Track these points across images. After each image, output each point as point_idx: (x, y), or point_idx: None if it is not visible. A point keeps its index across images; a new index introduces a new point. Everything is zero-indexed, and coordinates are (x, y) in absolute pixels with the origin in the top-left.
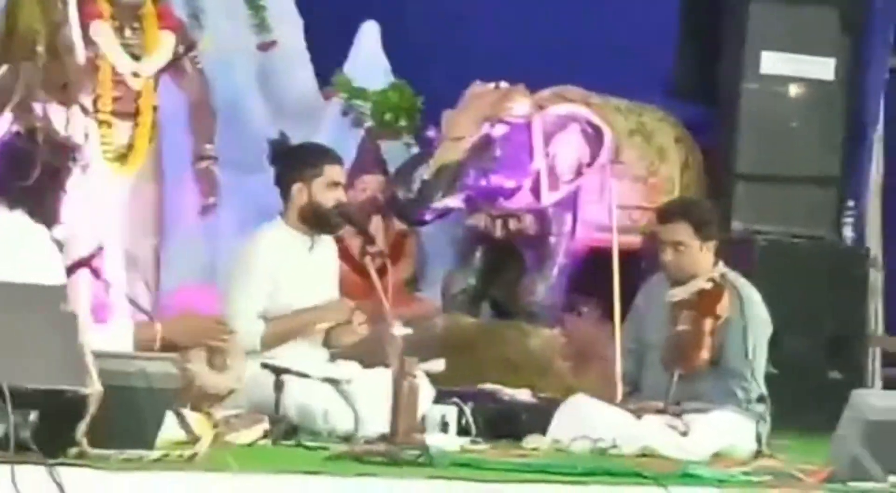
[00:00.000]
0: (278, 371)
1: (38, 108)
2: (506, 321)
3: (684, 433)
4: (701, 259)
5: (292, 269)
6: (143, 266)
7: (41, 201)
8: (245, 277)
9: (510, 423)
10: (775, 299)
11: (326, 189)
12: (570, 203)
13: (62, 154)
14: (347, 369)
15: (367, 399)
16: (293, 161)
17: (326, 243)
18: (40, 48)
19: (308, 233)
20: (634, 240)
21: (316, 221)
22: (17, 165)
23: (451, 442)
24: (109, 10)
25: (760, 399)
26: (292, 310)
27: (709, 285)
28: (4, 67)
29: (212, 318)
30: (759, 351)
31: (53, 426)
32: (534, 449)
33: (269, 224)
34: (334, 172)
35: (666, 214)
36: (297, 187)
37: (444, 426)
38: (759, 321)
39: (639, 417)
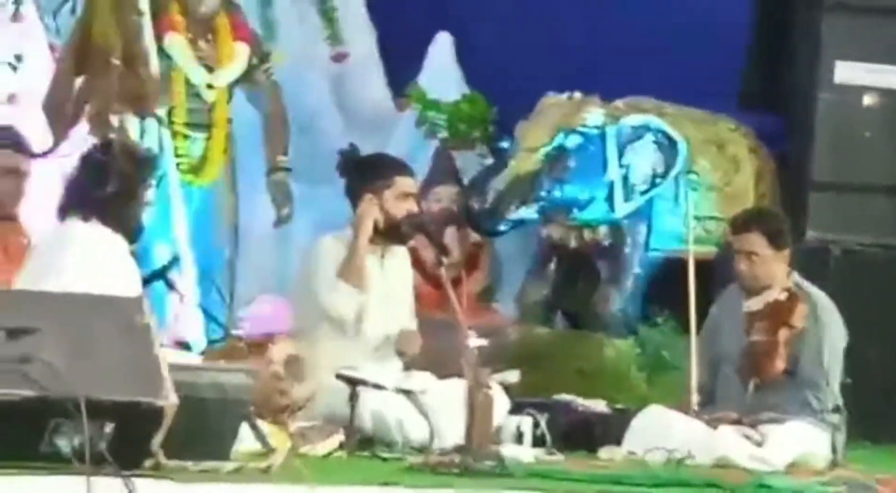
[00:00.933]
0: (353, 382)
1: (113, 119)
2: (581, 332)
3: (759, 444)
4: (775, 269)
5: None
6: (217, 278)
7: (117, 212)
8: (322, 273)
9: (585, 434)
10: (850, 309)
11: (397, 200)
12: (645, 214)
13: (138, 165)
14: (422, 379)
15: (442, 410)
16: (364, 172)
17: (399, 254)
18: (115, 60)
19: (379, 243)
20: (709, 250)
21: (387, 232)
22: (94, 176)
23: (526, 453)
24: (183, 23)
25: (836, 409)
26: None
27: (783, 296)
28: (80, 79)
29: (278, 364)
30: (834, 361)
31: (129, 438)
32: (609, 460)
33: (337, 234)
34: (406, 184)
35: (739, 224)
36: (368, 198)
37: (519, 437)
38: (834, 331)
39: (714, 427)
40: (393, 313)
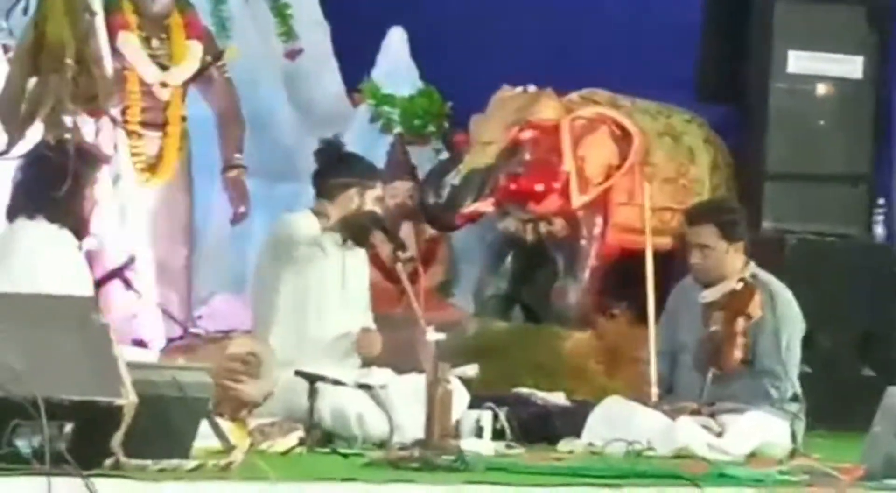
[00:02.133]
0: (312, 379)
1: (67, 119)
2: (538, 325)
3: (719, 434)
4: (728, 261)
5: (327, 265)
6: (175, 276)
7: (71, 212)
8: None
9: (544, 426)
10: (807, 298)
11: (374, 203)
12: (601, 206)
13: (92, 165)
14: (381, 375)
15: (402, 405)
16: (353, 167)
17: (359, 254)
18: (69, 60)
19: (344, 237)
20: (665, 242)
21: (354, 229)
22: (48, 175)
23: (485, 447)
24: (136, 21)
25: (794, 398)
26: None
27: (739, 286)
28: (34, 79)
29: (237, 356)
30: (792, 350)
31: (89, 438)
32: (569, 452)
33: (303, 214)
34: (379, 190)
35: (692, 217)
36: (353, 191)
37: (479, 431)
38: (792, 320)
39: (673, 418)
40: (352, 311)
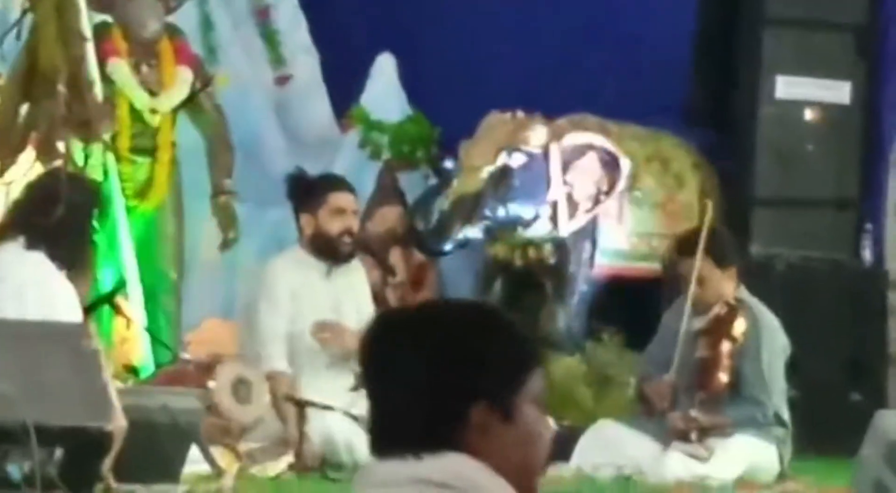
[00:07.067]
0: (301, 404)
1: (59, 145)
2: None
3: (707, 458)
4: (723, 287)
5: (310, 292)
6: (164, 301)
7: (63, 239)
8: (266, 299)
9: None
10: (795, 323)
11: (331, 217)
12: (589, 231)
13: (85, 192)
14: None
15: None
16: (300, 193)
17: (351, 269)
18: (61, 86)
19: (323, 260)
20: (654, 267)
21: (325, 249)
22: (40, 203)
23: None
24: (126, 47)
25: (780, 422)
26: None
27: (724, 310)
28: (26, 105)
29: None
30: (777, 374)
31: (79, 463)
32: (558, 477)
33: (286, 251)
34: (339, 200)
35: (683, 248)
36: (304, 218)
37: None
38: (776, 344)
39: (663, 442)
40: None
